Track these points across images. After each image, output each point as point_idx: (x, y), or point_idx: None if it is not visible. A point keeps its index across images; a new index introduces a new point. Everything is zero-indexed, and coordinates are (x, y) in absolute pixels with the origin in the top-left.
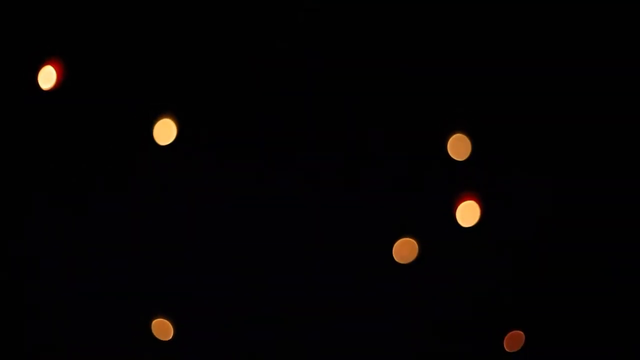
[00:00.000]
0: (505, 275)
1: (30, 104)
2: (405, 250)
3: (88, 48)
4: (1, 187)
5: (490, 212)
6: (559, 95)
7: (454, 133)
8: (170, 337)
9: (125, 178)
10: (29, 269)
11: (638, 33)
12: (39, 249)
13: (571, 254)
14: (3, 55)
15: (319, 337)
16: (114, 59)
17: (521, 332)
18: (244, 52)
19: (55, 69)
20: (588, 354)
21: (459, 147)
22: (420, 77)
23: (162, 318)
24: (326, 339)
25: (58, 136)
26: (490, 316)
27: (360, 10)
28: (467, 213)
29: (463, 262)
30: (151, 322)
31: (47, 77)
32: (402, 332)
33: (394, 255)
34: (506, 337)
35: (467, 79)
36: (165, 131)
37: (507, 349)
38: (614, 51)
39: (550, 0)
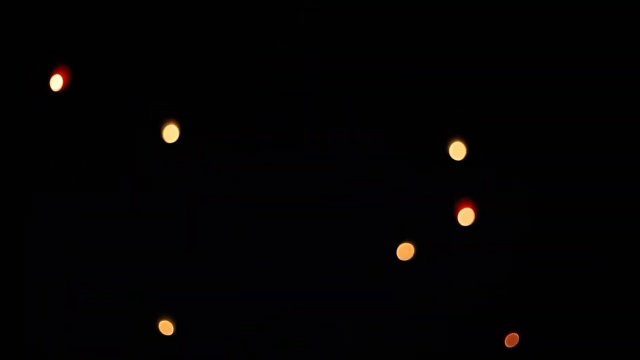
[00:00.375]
0: (503, 273)
1: (31, 105)
2: (403, 251)
3: (94, 50)
4: (8, 187)
5: (487, 211)
6: (558, 96)
7: (453, 136)
8: (171, 332)
9: (127, 178)
10: (31, 268)
11: (637, 33)
12: (39, 249)
13: (567, 253)
14: (7, 56)
15: (320, 336)
16: (116, 59)
17: (516, 334)
18: (244, 52)
19: (62, 72)
20: (584, 349)
21: (456, 147)
22: (420, 78)
23: (164, 316)
24: (327, 338)
25: (59, 136)
26: (490, 314)
27: (360, 10)
28: (466, 212)
29: (462, 261)
30: (152, 320)
31: (55, 79)
32: (404, 331)
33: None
34: (506, 337)
35: (466, 79)
36: (168, 131)
37: (506, 345)
38: (612, 52)
39: (549, 1)
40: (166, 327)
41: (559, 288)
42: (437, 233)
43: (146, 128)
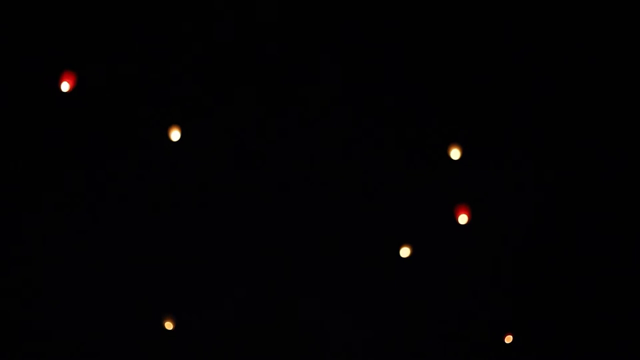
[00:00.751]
0: (500, 272)
1: (33, 105)
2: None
3: (97, 52)
4: (9, 187)
5: (484, 211)
6: (555, 98)
7: (452, 136)
8: (172, 327)
9: (128, 178)
10: (30, 267)
11: (637, 33)
12: (39, 248)
13: (564, 253)
14: (11, 57)
15: (320, 333)
16: (119, 61)
17: (510, 335)
18: (245, 53)
19: (69, 74)
20: (582, 349)
21: (454, 148)
22: (419, 79)
23: (165, 312)
24: (327, 335)
25: (62, 137)
26: (487, 312)
27: (361, 11)
28: (462, 217)
29: (459, 259)
30: (153, 317)
31: (63, 81)
32: (403, 329)
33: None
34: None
35: (465, 80)
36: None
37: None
38: (610, 52)
39: (545, 3)
40: (167, 324)
41: (556, 287)
42: (435, 232)
43: (148, 128)
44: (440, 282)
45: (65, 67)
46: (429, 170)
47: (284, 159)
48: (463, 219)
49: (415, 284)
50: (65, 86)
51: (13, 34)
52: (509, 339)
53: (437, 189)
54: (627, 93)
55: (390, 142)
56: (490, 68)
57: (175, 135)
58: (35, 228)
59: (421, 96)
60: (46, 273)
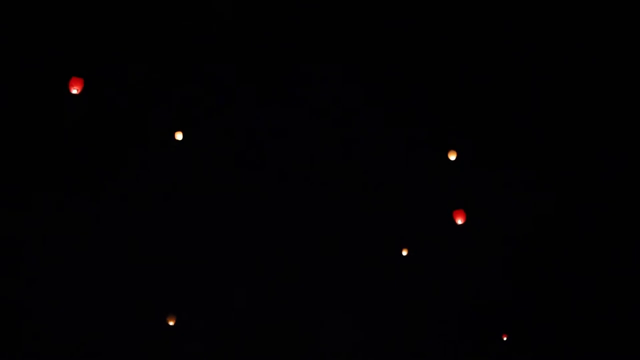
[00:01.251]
0: (497, 272)
1: (36, 106)
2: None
3: (101, 53)
4: (10, 187)
5: (483, 211)
6: (553, 99)
7: (451, 137)
8: (173, 323)
9: (130, 177)
10: (31, 267)
11: (636, 34)
12: (39, 248)
13: (561, 252)
14: (14, 59)
15: (320, 333)
16: (122, 62)
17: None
18: (245, 54)
19: (77, 82)
20: (579, 349)
21: (452, 149)
22: (419, 80)
23: (165, 312)
24: (327, 335)
25: (65, 137)
26: (484, 312)
27: (361, 12)
28: (461, 211)
29: (459, 259)
30: (154, 315)
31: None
32: (401, 328)
33: None
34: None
35: (464, 81)
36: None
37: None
38: (608, 54)
39: (542, 6)
40: (169, 320)
41: (555, 287)
42: (435, 232)
43: (149, 128)
44: (440, 282)
45: (68, 68)
46: (429, 170)
47: (284, 159)
48: (461, 219)
49: (415, 284)
50: (73, 91)
51: (15, 34)
52: (506, 338)
53: (436, 189)
54: (627, 93)
55: (391, 143)
56: (489, 69)
57: (177, 135)
58: (36, 228)
59: (421, 97)
60: (46, 273)
